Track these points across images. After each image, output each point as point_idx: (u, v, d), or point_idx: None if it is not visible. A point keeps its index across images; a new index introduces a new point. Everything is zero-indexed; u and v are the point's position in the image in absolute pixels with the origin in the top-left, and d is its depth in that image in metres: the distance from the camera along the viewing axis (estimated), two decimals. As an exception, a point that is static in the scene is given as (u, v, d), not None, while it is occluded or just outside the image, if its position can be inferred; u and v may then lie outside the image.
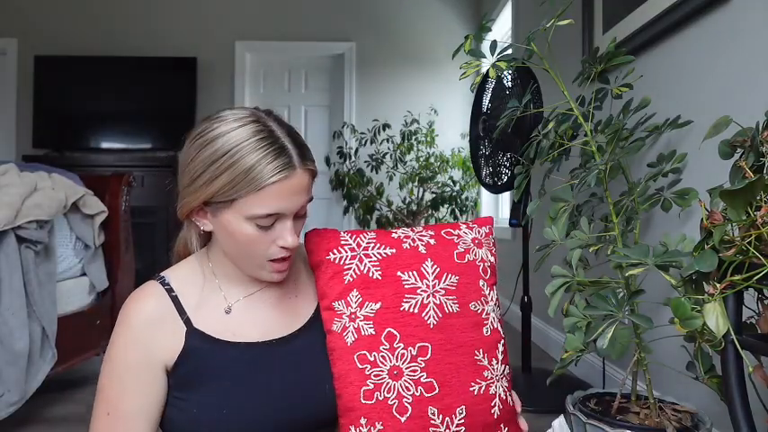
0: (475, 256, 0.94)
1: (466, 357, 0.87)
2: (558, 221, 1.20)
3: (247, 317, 0.92)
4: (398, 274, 0.89)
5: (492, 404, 0.88)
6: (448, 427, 0.84)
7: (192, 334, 0.87)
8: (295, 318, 0.95)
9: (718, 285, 0.79)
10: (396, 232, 0.94)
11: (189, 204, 0.86)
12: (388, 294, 0.87)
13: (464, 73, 1.35)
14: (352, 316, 0.87)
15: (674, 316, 0.83)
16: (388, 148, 4.06)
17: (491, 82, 2.13)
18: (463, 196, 4.04)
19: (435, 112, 4.33)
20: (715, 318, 0.77)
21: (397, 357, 0.85)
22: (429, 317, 0.87)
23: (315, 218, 4.39)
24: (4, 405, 1.55)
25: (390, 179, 4.10)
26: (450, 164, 4.12)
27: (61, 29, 4.47)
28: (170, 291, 0.90)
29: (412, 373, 0.84)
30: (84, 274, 2.11)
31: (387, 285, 0.88)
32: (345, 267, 0.89)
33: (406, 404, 0.83)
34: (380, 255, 0.90)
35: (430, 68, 4.55)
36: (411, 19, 4.59)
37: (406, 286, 0.88)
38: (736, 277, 0.78)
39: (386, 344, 0.85)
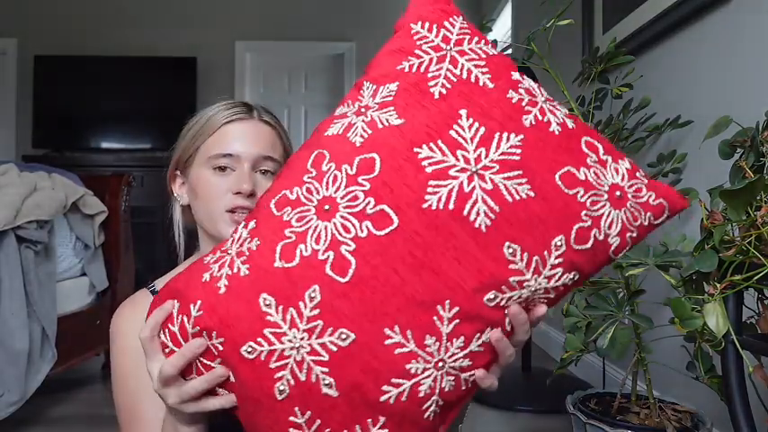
0: (592, 204, 0.57)
1: (426, 293, 0.54)
2: (558, 221, 1.20)
3: None
4: (461, 112, 0.57)
5: None
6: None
7: None
8: None
9: (718, 285, 0.79)
10: (529, 86, 0.61)
11: (170, 173, 0.92)
12: (420, 118, 0.57)
13: (464, 73, 1.35)
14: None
15: (674, 316, 0.83)
16: (388, 148, 4.05)
17: (491, 82, 2.12)
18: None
19: (435, 112, 4.33)
20: (715, 318, 0.77)
21: (342, 190, 0.56)
22: (435, 193, 0.55)
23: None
24: (4, 405, 1.55)
25: (390, 179, 4.10)
26: (450, 164, 4.12)
27: (61, 29, 4.47)
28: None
29: (342, 229, 0.54)
30: (84, 274, 2.11)
31: (433, 110, 0.58)
32: (419, 50, 0.60)
33: (298, 253, 0.55)
34: (472, 74, 0.59)
35: (430, 68, 4.54)
36: (411, 19, 4.58)
37: (451, 132, 0.56)
38: (736, 277, 0.78)
39: (353, 167, 0.57)
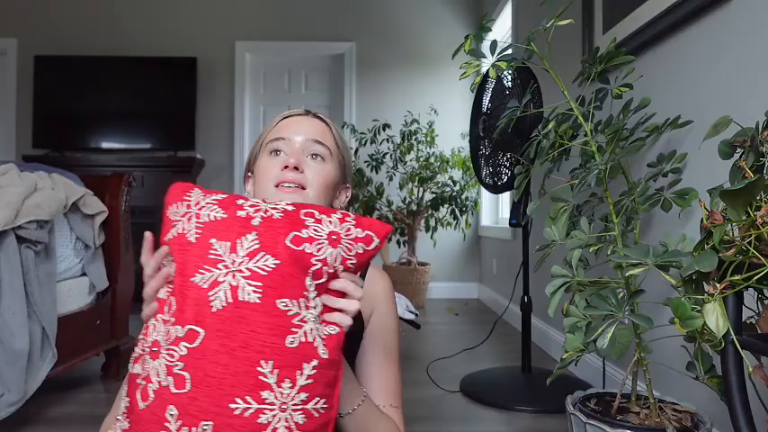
0: (318, 250, 0.75)
1: (245, 364, 0.69)
2: (558, 221, 1.20)
3: None
4: (211, 241, 0.75)
5: None
6: None
7: None
8: None
9: (718, 285, 0.79)
10: (254, 200, 0.81)
11: (245, 176, 1.06)
12: (191, 261, 0.74)
13: (464, 73, 1.35)
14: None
15: (674, 316, 0.83)
16: (389, 149, 4.05)
17: (491, 82, 2.13)
18: (463, 196, 4.04)
19: (435, 112, 4.33)
20: (715, 318, 0.77)
21: (161, 333, 0.72)
22: (216, 298, 0.71)
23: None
24: (4, 405, 1.55)
25: (390, 179, 4.10)
26: (450, 164, 4.12)
27: (61, 29, 4.47)
28: None
29: (169, 358, 0.70)
30: (84, 274, 2.11)
31: (195, 249, 0.75)
32: (174, 222, 0.79)
33: (150, 390, 0.69)
34: (210, 217, 0.77)
35: (430, 68, 4.54)
36: (411, 19, 4.59)
37: (210, 256, 0.74)
38: (736, 277, 0.78)
39: (164, 313, 0.74)
